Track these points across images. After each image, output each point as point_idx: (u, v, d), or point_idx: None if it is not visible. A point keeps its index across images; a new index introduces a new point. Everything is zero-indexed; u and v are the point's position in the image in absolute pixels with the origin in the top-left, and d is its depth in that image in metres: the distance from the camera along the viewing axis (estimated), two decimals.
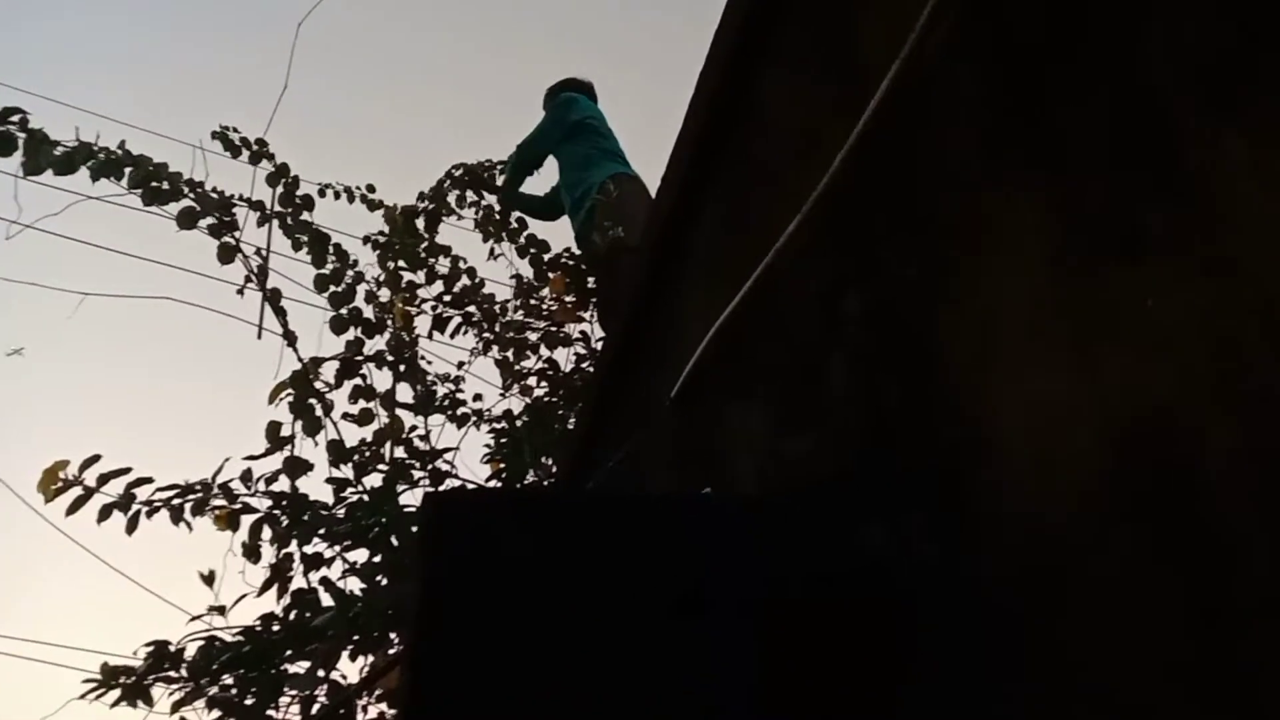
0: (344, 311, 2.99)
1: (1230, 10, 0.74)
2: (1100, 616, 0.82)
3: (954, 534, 1.01)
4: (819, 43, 1.45)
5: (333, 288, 3.02)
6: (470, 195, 4.01)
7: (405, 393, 3.18)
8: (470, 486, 3.06)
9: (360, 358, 3.07)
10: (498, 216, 3.97)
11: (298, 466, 2.82)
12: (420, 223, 3.70)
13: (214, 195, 2.51)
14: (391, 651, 2.58)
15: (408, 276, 3.49)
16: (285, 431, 2.82)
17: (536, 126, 4.06)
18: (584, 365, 3.67)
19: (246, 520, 2.71)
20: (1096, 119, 0.87)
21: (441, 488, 3.07)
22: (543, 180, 4.21)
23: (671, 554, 1.32)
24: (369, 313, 3.20)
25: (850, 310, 1.30)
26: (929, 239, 1.13)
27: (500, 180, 4.07)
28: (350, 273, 3.24)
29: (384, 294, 3.38)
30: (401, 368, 3.19)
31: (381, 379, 3.20)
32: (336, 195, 3.87)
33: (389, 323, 3.25)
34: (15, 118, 2.05)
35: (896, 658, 1.08)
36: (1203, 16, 0.76)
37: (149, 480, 2.59)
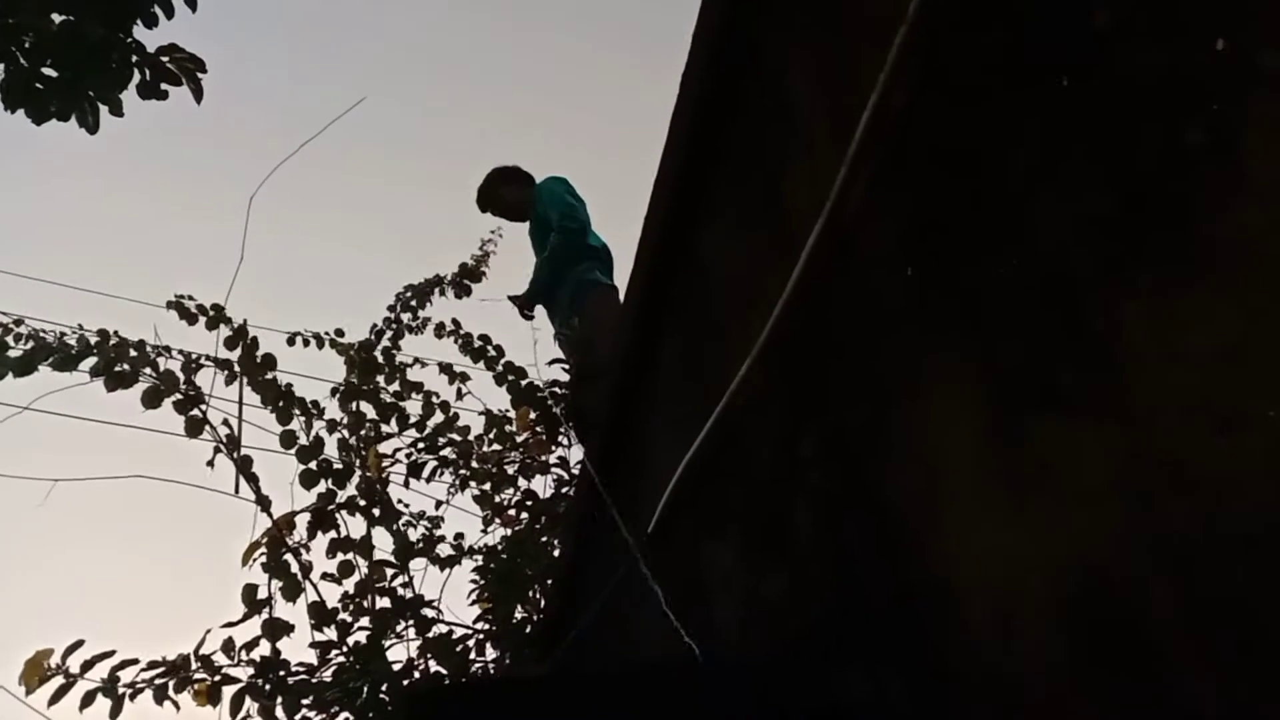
0: (313, 465, 2.98)
1: (1116, 182, 0.79)
2: None
3: (924, 683, 1.01)
4: (750, 197, 1.51)
5: (300, 442, 3.01)
6: (449, 325, 3.95)
7: (382, 537, 3.13)
8: (458, 632, 3.01)
9: (332, 506, 3.03)
10: (476, 344, 3.85)
11: (278, 629, 2.76)
12: (379, 355, 3.67)
13: (175, 372, 2.52)
14: None
15: (372, 415, 3.45)
16: (262, 594, 2.77)
17: (562, 222, 3.95)
18: (563, 490, 3.65)
19: (228, 692, 2.64)
20: (1006, 279, 0.91)
21: (429, 635, 3.01)
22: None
23: None
24: (340, 461, 3.17)
25: (805, 453, 1.32)
26: (869, 385, 1.16)
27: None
28: (321, 423, 3.23)
29: (353, 439, 3.35)
30: (375, 512, 3.15)
31: (357, 525, 3.15)
32: (305, 343, 3.88)
33: (357, 467, 3.21)
34: None
35: None
36: (1095, 189, 0.81)
37: (134, 661, 2.53)
